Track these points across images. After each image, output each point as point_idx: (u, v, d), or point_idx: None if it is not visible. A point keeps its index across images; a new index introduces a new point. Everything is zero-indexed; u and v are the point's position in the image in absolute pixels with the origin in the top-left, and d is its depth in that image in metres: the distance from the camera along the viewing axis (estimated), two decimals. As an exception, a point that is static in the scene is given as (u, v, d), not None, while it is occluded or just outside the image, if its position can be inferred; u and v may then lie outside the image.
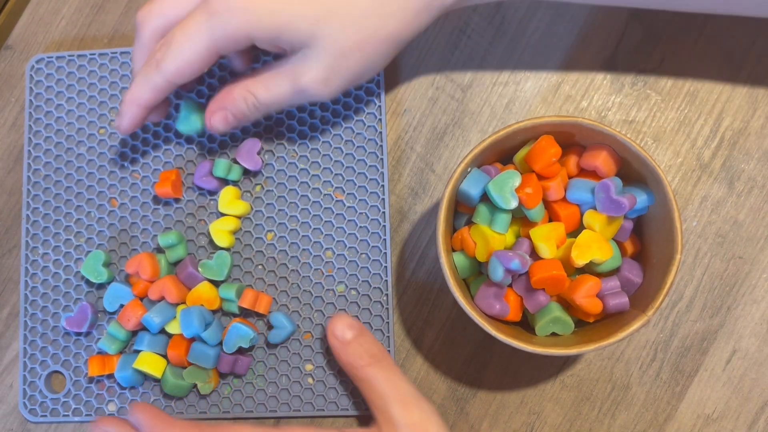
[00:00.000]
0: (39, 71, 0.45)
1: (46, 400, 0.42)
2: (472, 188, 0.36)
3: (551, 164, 0.35)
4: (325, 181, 0.42)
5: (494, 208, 0.36)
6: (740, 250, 0.41)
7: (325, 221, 0.42)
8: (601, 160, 0.35)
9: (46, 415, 0.42)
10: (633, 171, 0.36)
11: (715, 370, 0.41)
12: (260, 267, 0.42)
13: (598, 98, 0.43)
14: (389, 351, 0.40)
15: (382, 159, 0.42)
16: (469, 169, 0.36)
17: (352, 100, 0.43)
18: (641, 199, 0.35)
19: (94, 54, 0.44)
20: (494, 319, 0.36)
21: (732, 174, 0.42)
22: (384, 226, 0.42)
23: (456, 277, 0.36)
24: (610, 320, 0.36)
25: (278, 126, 0.43)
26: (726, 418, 0.40)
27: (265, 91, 0.37)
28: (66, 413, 0.42)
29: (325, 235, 0.42)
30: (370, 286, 0.41)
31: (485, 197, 0.36)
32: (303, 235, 0.42)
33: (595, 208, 0.35)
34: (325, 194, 0.42)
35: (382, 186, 0.42)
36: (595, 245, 0.34)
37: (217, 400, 0.41)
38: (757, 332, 0.41)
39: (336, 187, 0.42)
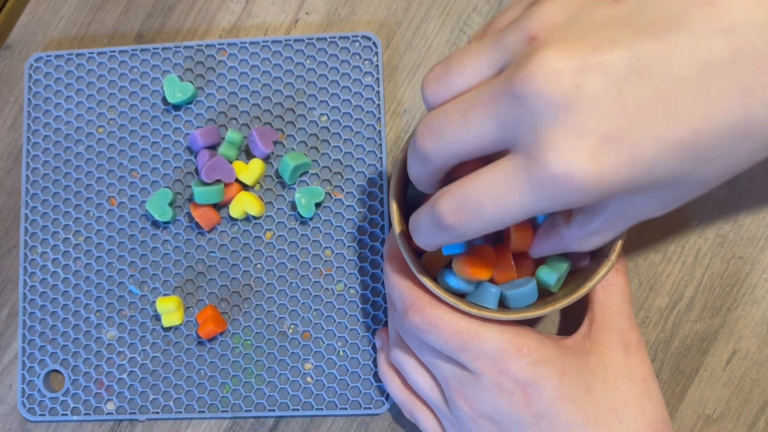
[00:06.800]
0: (38, 70, 0.45)
1: (44, 399, 0.42)
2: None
3: None
4: (323, 180, 0.42)
5: None
6: (740, 250, 0.41)
7: (324, 219, 0.42)
8: None
9: (45, 414, 0.42)
10: None
11: (716, 371, 0.41)
12: (259, 266, 0.42)
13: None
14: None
15: (381, 158, 0.42)
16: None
17: (351, 98, 0.43)
18: None
19: (92, 53, 0.44)
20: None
21: (732, 174, 0.42)
22: (383, 225, 0.42)
23: (417, 264, 0.33)
24: (577, 274, 0.34)
25: (276, 125, 0.43)
26: (726, 419, 0.40)
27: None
28: (65, 412, 0.42)
29: (324, 233, 0.42)
30: (369, 284, 0.41)
31: None
32: (302, 234, 0.42)
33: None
34: (324, 193, 0.42)
35: (381, 184, 0.42)
36: None
37: (215, 399, 0.41)
38: (757, 332, 0.41)
39: (335, 186, 0.42)
